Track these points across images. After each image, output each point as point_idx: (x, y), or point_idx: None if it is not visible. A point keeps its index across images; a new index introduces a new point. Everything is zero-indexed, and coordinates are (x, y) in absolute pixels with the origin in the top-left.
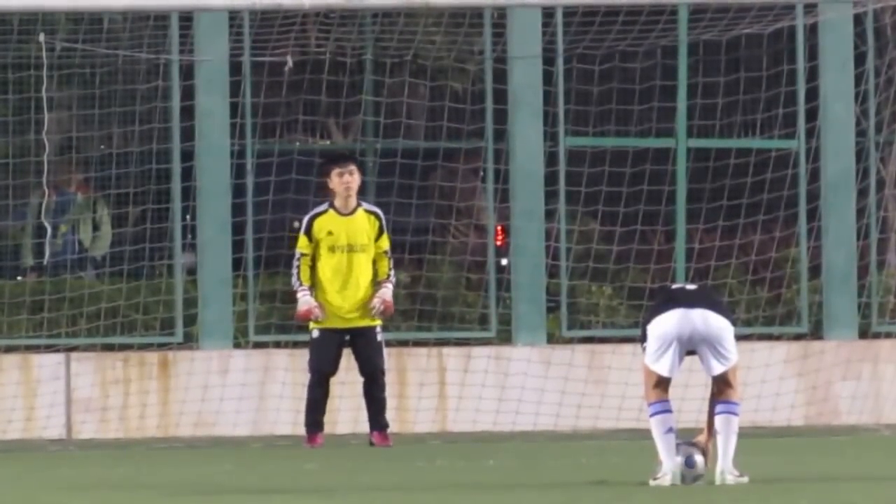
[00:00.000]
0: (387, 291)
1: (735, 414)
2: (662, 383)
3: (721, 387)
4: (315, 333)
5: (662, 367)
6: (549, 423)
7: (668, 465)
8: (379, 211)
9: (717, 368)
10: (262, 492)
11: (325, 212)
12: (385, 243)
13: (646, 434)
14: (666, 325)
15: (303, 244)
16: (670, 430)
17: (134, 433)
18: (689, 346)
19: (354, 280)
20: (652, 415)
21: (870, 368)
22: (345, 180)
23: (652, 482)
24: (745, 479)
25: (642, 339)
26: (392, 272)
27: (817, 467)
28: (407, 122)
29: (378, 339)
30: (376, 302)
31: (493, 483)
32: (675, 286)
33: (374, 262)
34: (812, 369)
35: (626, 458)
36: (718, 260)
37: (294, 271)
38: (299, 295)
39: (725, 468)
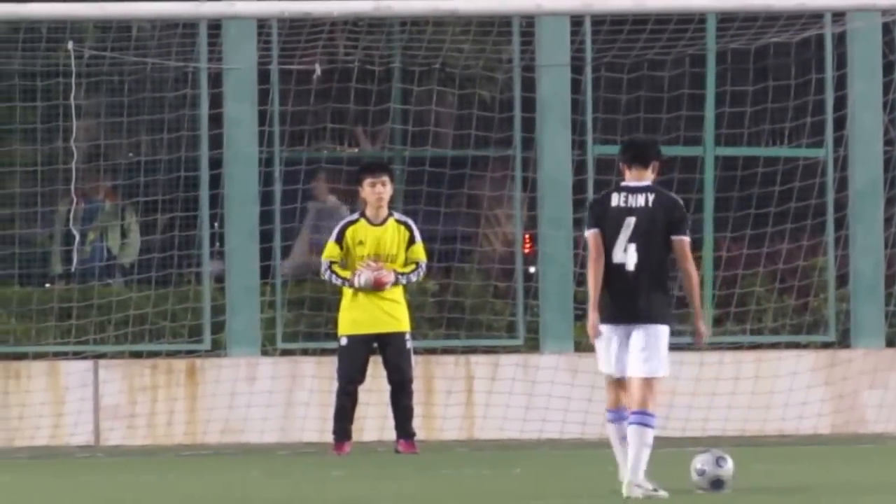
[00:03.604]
0: (396, 274)
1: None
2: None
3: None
4: (343, 341)
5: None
6: (576, 430)
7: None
8: (410, 221)
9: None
10: (289, 499)
11: (356, 221)
12: (419, 254)
13: (671, 442)
14: None
15: (332, 252)
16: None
17: (161, 440)
18: None
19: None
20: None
21: None
22: (377, 190)
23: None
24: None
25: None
26: (414, 274)
27: (843, 475)
28: (435, 131)
29: (407, 346)
30: (383, 272)
31: (520, 491)
32: None
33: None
34: (839, 378)
35: (653, 467)
36: (746, 268)
37: (327, 274)
38: (355, 279)
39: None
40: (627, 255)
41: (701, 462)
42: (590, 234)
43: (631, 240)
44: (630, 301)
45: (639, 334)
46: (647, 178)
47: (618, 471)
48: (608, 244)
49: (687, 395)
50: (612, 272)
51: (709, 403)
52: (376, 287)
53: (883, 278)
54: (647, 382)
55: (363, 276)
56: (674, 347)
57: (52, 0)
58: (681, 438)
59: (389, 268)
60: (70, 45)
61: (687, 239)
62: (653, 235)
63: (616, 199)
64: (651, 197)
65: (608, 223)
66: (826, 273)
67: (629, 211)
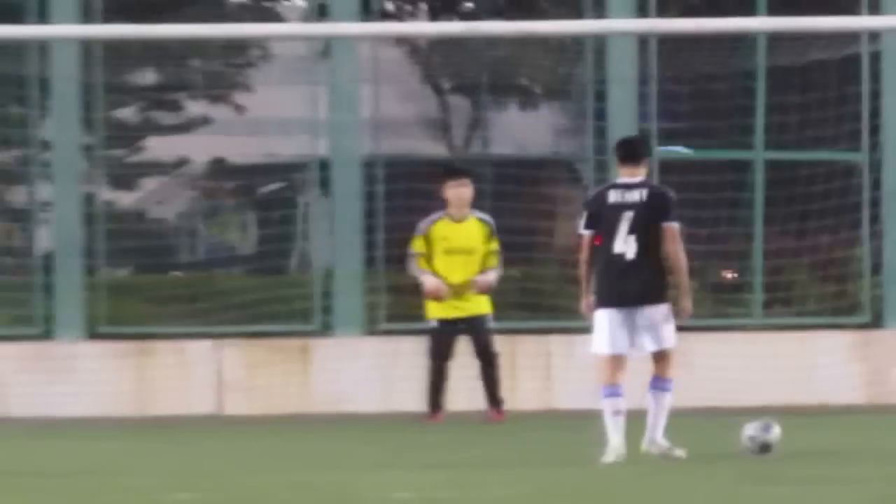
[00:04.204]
0: (490, 273)
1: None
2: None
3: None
4: (434, 324)
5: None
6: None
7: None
8: (489, 218)
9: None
10: (389, 462)
11: (440, 219)
12: (495, 245)
13: (725, 412)
14: None
15: (419, 245)
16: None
17: (276, 410)
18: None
19: (466, 276)
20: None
21: None
22: (459, 192)
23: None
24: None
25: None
26: (499, 266)
27: (876, 441)
28: (518, 137)
29: (489, 326)
30: (479, 278)
31: (589, 452)
32: None
33: (485, 260)
34: (872, 355)
35: (710, 432)
36: (791, 259)
37: (411, 263)
38: (424, 278)
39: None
40: (627, 245)
41: (751, 429)
42: (586, 234)
43: (630, 231)
44: (631, 286)
45: (645, 314)
46: (640, 174)
47: (608, 441)
48: (608, 235)
49: (739, 370)
50: (614, 261)
51: (758, 378)
52: (431, 294)
53: None
54: (662, 354)
55: (427, 283)
56: (725, 328)
57: (179, 22)
58: (733, 408)
59: (468, 261)
60: (196, 61)
61: (675, 225)
62: (649, 226)
63: (614, 196)
64: (645, 192)
65: (607, 218)
66: (861, 263)
67: (626, 206)
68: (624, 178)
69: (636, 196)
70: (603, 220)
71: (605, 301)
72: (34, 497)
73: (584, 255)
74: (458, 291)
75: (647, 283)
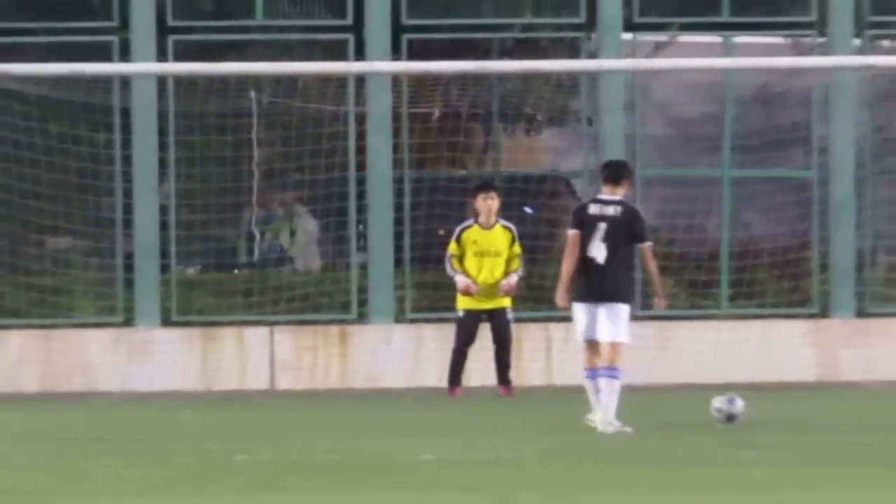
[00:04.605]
0: (513, 277)
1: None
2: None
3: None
4: (461, 313)
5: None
6: (644, 379)
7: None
8: (512, 226)
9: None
10: (417, 429)
11: (471, 226)
12: (518, 249)
13: (698, 388)
14: None
15: (453, 248)
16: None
17: (320, 385)
18: None
19: (491, 276)
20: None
21: (864, 340)
22: (487, 203)
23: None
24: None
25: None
26: (521, 268)
27: (825, 412)
28: (524, 158)
29: (508, 317)
30: (503, 283)
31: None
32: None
33: (509, 261)
34: (821, 340)
35: (671, 405)
36: (753, 259)
37: (448, 264)
38: (457, 278)
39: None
40: (598, 251)
41: (718, 402)
42: (571, 233)
43: (602, 240)
44: (599, 285)
45: (605, 310)
46: (619, 192)
47: (592, 413)
48: (585, 241)
49: (709, 353)
50: (587, 263)
51: (726, 359)
52: (462, 291)
53: (853, 267)
54: (613, 346)
55: (459, 281)
56: (698, 317)
57: (238, 60)
58: (705, 384)
59: (494, 262)
60: (252, 93)
61: (648, 244)
62: (618, 237)
63: (593, 209)
64: (619, 209)
65: (586, 226)
66: (812, 263)
67: (602, 218)
68: (604, 195)
69: (611, 211)
70: (582, 227)
71: (578, 296)
72: (120, 459)
73: (568, 250)
74: (487, 291)
75: (612, 284)
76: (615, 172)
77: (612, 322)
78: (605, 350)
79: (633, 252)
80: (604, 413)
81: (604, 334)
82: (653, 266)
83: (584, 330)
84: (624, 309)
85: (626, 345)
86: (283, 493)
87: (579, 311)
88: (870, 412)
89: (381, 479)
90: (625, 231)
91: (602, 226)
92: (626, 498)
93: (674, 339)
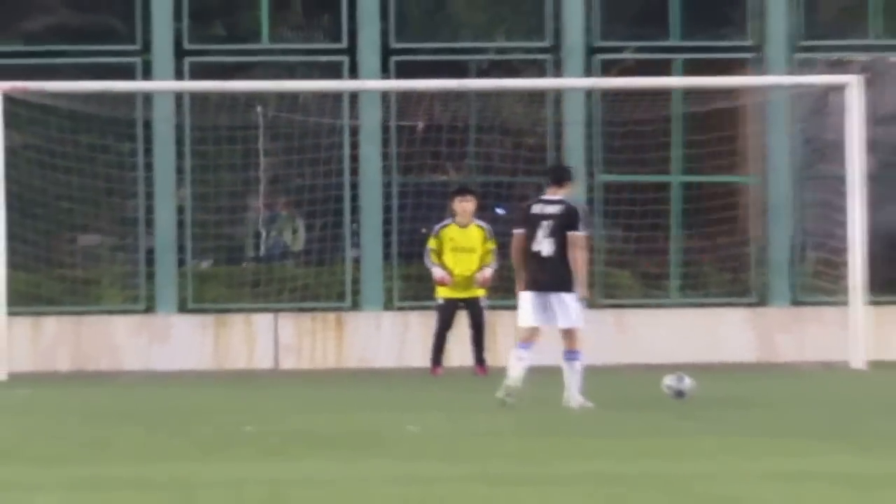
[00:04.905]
0: (487, 271)
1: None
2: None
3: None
4: (441, 301)
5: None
6: (603, 360)
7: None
8: (486, 224)
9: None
10: (404, 403)
11: (449, 224)
12: (491, 245)
13: (652, 368)
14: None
15: (432, 243)
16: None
17: (318, 366)
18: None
19: (467, 269)
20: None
21: (797, 325)
22: (463, 205)
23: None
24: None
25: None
26: (495, 262)
27: (762, 388)
28: (498, 166)
29: (482, 305)
30: (478, 276)
31: (553, 396)
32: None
33: (483, 256)
34: (759, 326)
35: (637, 383)
36: (699, 255)
37: (426, 257)
38: (434, 269)
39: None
40: (542, 246)
41: (668, 380)
42: (516, 233)
43: (546, 236)
44: (544, 277)
45: (555, 300)
46: (561, 193)
47: (504, 380)
48: (530, 237)
49: (662, 337)
50: (534, 257)
51: (676, 342)
52: (437, 281)
53: (788, 262)
54: (571, 332)
55: (436, 272)
56: (652, 305)
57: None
58: (658, 364)
59: (470, 257)
60: (258, 108)
61: (578, 234)
62: (560, 233)
63: (536, 208)
64: (561, 207)
65: (530, 224)
66: (751, 258)
67: (545, 216)
68: (548, 196)
69: (553, 209)
70: (528, 224)
71: (526, 286)
72: (142, 430)
73: (513, 246)
74: (464, 283)
75: (556, 275)
76: (557, 175)
77: (566, 311)
78: (564, 336)
79: (580, 244)
80: (568, 390)
81: (561, 322)
82: (580, 256)
83: (528, 317)
84: (572, 297)
85: (582, 329)
86: (286, 460)
87: (525, 299)
88: (802, 389)
89: (373, 448)
90: (565, 227)
91: (545, 223)
92: (590, 463)
93: (630, 325)
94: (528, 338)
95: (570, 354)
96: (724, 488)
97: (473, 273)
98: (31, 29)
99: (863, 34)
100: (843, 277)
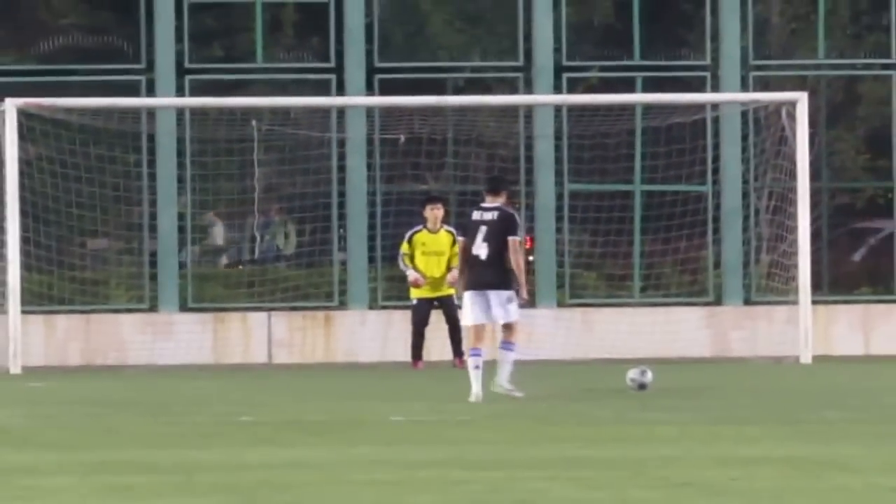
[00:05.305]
0: (455, 272)
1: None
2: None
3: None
4: (415, 301)
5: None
6: (574, 354)
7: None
8: (454, 230)
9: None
10: (387, 393)
11: (420, 230)
12: (457, 248)
13: (616, 362)
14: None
15: (405, 248)
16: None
17: (308, 359)
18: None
19: (438, 271)
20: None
21: (750, 323)
22: (434, 212)
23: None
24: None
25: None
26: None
27: (718, 380)
28: (474, 175)
29: (454, 302)
30: (448, 276)
31: (536, 387)
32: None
33: (450, 259)
34: (715, 323)
35: (602, 375)
36: (659, 258)
37: (400, 261)
38: (408, 272)
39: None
40: (481, 250)
41: (631, 373)
42: (460, 240)
43: (484, 240)
44: (482, 278)
45: (495, 297)
46: (498, 201)
47: (470, 389)
48: (470, 242)
49: (625, 333)
50: (473, 259)
51: (639, 338)
52: (411, 283)
53: (741, 264)
54: (509, 325)
55: (410, 275)
56: (615, 304)
57: (242, 95)
58: (621, 359)
59: (440, 260)
60: (254, 122)
61: (516, 238)
62: (497, 238)
63: (476, 215)
64: (497, 214)
65: (471, 229)
66: (707, 261)
67: (483, 222)
68: (486, 203)
69: (490, 216)
70: (470, 231)
71: (467, 287)
72: (146, 418)
73: (460, 252)
74: (435, 284)
75: (494, 275)
76: (494, 185)
77: (503, 307)
78: (505, 329)
79: (518, 248)
80: (499, 377)
81: (499, 317)
82: (519, 259)
83: (470, 315)
84: (509, 294)
85: (520, 322)
86: (279, 447)
87: (467, 298)
88: (755, 382)
89: (359, 436)
90: (502, 231)
91: (483, 228)
92: (560, 448)
93: (595, 322)
94: (477, 340)
95: (506, 345)
96: (683, 472)
97: (444, 275)
98: (45, 50)
99: (811, 54)
100: (794, 278)
